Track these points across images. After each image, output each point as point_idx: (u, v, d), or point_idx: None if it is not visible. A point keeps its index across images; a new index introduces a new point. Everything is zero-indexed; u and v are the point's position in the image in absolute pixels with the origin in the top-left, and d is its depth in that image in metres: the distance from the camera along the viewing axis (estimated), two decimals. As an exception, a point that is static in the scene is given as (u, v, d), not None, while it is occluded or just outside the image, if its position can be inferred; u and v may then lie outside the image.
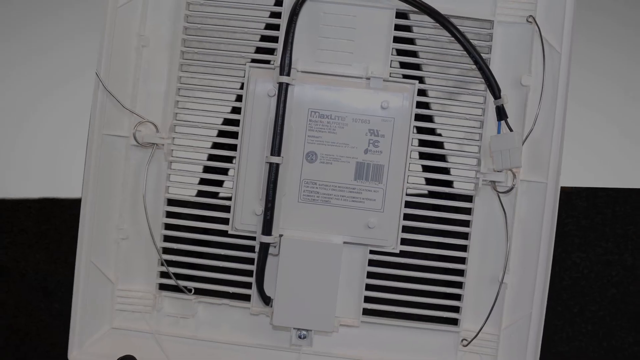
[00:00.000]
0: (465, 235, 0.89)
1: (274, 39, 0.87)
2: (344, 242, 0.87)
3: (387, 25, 0.87)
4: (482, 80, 0.84)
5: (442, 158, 0.89)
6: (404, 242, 0.88)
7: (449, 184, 0.89)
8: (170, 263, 0.90)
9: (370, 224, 0.86)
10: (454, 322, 0.90)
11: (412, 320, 0.90)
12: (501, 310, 0.88)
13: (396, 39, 0.87)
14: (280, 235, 0.87)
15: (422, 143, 0.90)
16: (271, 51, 0.88)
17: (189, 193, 0.91)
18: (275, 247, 0.87)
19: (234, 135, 0.88)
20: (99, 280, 0.89)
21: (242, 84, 0.88)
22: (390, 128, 0.86)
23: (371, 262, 0.89)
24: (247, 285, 0.90)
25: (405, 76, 0.88)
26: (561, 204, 0.87)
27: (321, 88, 0.86)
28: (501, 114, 0.83)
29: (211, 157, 0.90)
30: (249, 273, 0.89)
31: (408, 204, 0.88)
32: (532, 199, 0.87)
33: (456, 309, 0.89)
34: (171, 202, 0.90)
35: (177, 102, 0.89)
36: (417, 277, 0.89)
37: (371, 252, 0.89)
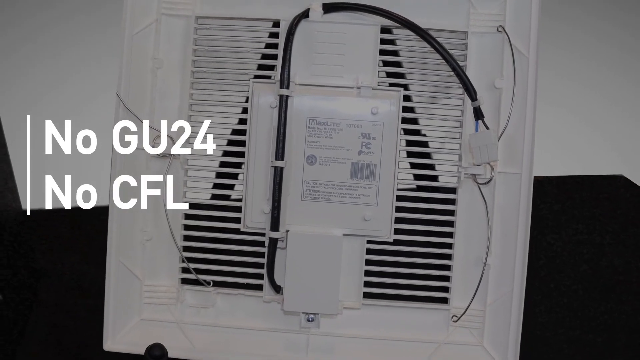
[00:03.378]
0: (451, 224, 0.94)
1: (274, 57, 0.93)
2: (344, 234, 0.92)
3: (374, 40, 0.92)
4: (460, 85, 0.90)
5: (427, 156, 0.95)
6: (397, 231, 0.93)
7: (434, 178, 0.95)
8: (191, 260, 0.95)
9: (366, 217, 0.92)
10: (445, 300, 0.95)
11: (407, 300, 0.95)
12: (486, 288, 0.93)
13: (382, 52, 0.92)
14: (287, 231, 0.92)
15: (409, 143, 0.95)
16: (271, 67, 0.93)
17: (204, 197, 0.97)
18: (282, 241, 0.92)
19: (242, 143, 0.93)
20: (127, 278, 0.94)
21: (247, 97, 0.93)
22: (380, 131, 0.91)
23: (369, 251, 0.94)
24: (259, 277, 0.95)
25: (391, 84, 0.93)
26: (535, 192, 0.91)
27: (317, 98, 0.91)
28: (478, 114, 0.89)
29: (222, 164, 0.95)
30: (260, 265, 0.94)
31: (399, 198, 0.93)
32: (509, 188, 0.92)
33: (446, 289, 0.95)
34: (189, 205, 0.95)
35: (190, 116, 0.94)
36: (410, 262, 0.94)
37: (368, 242, 0.94)
